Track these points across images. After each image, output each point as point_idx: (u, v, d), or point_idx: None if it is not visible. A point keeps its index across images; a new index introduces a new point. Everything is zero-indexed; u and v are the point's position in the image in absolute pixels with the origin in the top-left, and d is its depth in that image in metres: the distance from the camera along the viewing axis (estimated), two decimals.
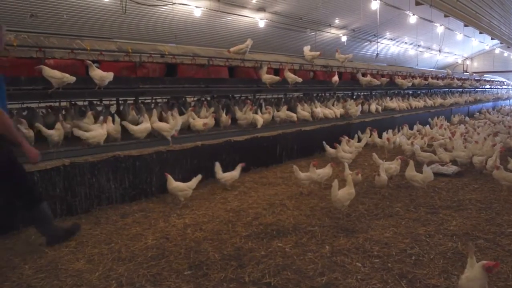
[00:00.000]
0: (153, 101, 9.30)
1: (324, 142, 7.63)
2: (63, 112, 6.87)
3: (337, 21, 18.05)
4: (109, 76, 5.67)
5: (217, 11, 13.38)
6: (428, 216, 4.76)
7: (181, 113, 7.31)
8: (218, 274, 3.40)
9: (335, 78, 9.87)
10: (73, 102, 8.16)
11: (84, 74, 5.56)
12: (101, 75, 5.62)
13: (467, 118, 15.20)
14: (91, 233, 4.38)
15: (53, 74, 5.04)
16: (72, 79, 5.20)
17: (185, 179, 6.08)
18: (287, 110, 8.66)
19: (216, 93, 9.09)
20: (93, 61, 5.89)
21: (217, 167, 6.01)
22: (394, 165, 6.14)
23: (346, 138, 8.03)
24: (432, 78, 15.87)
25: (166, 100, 9.17)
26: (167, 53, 6.85)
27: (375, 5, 13.38)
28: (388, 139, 8.63)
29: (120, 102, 8.02)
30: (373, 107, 11.32)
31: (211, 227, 4.47)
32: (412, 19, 15.08)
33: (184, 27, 13.75)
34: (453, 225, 4.43)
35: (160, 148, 5.89)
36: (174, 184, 5.32)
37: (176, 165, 6.05)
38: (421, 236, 4.11)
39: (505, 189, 5.64)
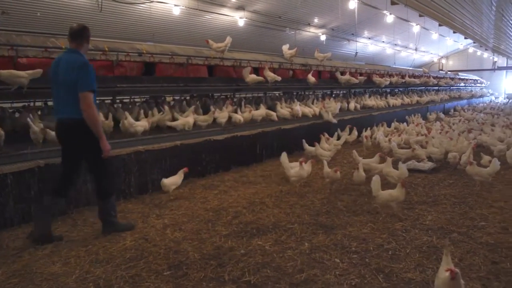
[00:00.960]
0: (131, 100, 9.18)
1: (303, 140, 7.68)
2: (39, 112, 6.71)
3: (316, 20, 18.17)
4: None
5: (196, 9, 13.27)
6: (404, 211, 4.86)
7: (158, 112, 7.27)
8: (197, 273, 3.38)
9: (310, 76, 9.94)
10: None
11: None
12: None
13: (442, 115, 15.58)
14: (67, 235, 4.29)
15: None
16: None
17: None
18: (267, 109, 8.71)
19: (196, 92, 9.06)
20: None
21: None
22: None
23: (326, 136, 8.12)
24: (409, 76, 16.22)
25: (144, 99, 9.08)
26: (145, 51, 6.79)
27: (352, 4, 13.54)
28: (366, 137, 8.77)
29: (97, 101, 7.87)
30: (352, 105, 11.48)
31: (191, 227, 4.44)
32: (389, 18, 15.33)
33: (163, 26, 13.59)
34: (428, 219, 4.54)
35: (138, 148, 5.82)
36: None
37: (155, 165, 5.99)
38: (397, 231, 4.19)
39: (478, 184, 5.82)
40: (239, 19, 14.75)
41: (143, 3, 12.13)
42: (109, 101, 7.77)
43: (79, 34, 4.03)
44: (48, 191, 4.18)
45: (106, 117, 6.22)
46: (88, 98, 3.86)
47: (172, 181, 5.60)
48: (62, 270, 3.48)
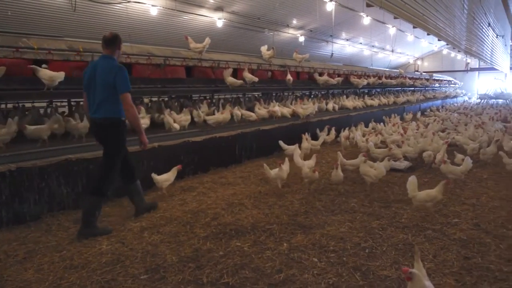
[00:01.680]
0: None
1: (280, 141, 7.72)
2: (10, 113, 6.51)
3: (294, 21, 18.31)
4: (59, 75, 5.44)
5: (174, 10, 13.18)
6: (381, 210, 4.94)
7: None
8: (175, 276, 3.35)
9: (289, 77, 10.00)
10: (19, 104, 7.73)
11: (32, 74, 5.29)
12: (50, 74, 5.38)
13: (419, 115, 15.93)
14: (41, 241, 4.18)
15: None
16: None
17: (142, 182, 5.94)
18: (246, 109, 8.72)
19: (173, 94, 8.96)
20: (41, 61, 5.64)
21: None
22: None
23: (306, 136, 8.18)
24: (385, 77, 16.51)
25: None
26: (121, 52, 6.66)
27: (330, 6, 13.71)
28: (344, 137, 8.89)
29: (72, 103, 7.71)
30: (330, 105, 11.60)
31: (169, 230, 4.39)
32: (366, 20, 15.60)
33: (140, 26, 13.41)
34: (404, 217, 4.63)
35: None
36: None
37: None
38: (374, 230, 4.26)
39: (451, 182, 5.97)
40: (218, 20, 14.73)
41: (120, 3, 11.96)
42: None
43: (112, 41, 4.40)
44: (123, 182, 4.79)
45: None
46: (128, 98, 4.32)
47: (164, 178, 5.64)
48: (35, 277, 3.38)
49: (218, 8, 14.54)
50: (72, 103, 7.75)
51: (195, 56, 7.95)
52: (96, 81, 4.30)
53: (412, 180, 4.76)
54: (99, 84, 4.28)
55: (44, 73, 5.31)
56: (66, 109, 7.88)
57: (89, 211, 4.31)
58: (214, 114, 8.01)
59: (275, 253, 3.73)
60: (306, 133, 8.32)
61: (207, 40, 7.87)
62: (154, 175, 5.59)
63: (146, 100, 9.93)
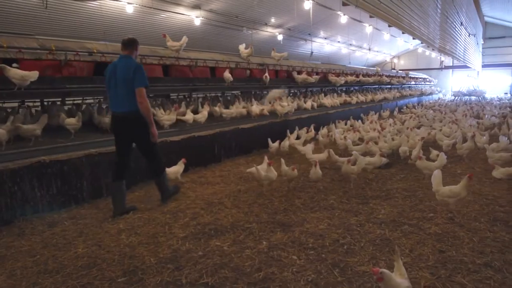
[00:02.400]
0: (83, 102, 8.81)
1: (269, 138, 7.95)
2: None
3: (272, 20, 18.34)
4: (32, 75, 5.27)
5: (151, 8, 12.99)
6: (359, 206, 5.00)
7: None
8: (154, 278, 3.30)
9: (266, 74, 10.02)
10: None
11: (1, 73, 5.12)
12: (22, 74, 5.22)
13: (396, 113, 16.23)
14: (13, 245, 4.05)
15: None
16: None
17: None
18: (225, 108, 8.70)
19: (151, 93, 8.82)
20: (11, 60, 5.46)
21: None
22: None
23: (289, 134, 8.27)
24: (363, 75, 16.76)
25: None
26: (95, 51, 6.53)
27: (307, 5, 13.78)
28: (323, 135, 8.96)
29: (45, 103, 7.50)
30: (309, 103, 11.67)
31: (147, 231, 4.33)
32: (343, 19, 15.76)
33: (115, 24, 13.16)
34: (382, 213, 4.71)
35: (91, 151, 5.59)
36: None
37: (109, 168, 5.76)
38: (352, 226, 4.31)
39: (427, 177, 6.08)
40: (195, 18, 14.60)
41: (94, 0, 11.70)
42: (58, 102, 7.38)
43: (131, 43, 4.90)
44: (112, 178, 5.03)
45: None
46: (142, 92, 4.71)
47: (174, 170, 5.92)
48: (7, 283, 3.27)
49: (196, 6, 14.41)
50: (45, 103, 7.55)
51: (173, 55, 7.86)
52: (116, 78, 4.73)
53: (436, 174, 4.67)
54: (120, 81, 4.71)
55: (15, 72, 5.15)
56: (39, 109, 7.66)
57: (162, 184, 5.26)
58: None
59: (254, 251, 3.73)
60: (288, 131, 8.40)
61: (184, 39, 7.79)
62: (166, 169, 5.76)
63: None
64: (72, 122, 6.07)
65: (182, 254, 3.73)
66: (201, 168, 7.31)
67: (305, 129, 9.49)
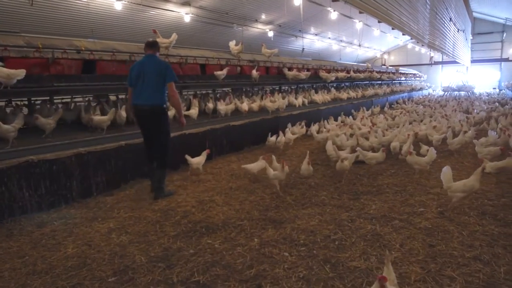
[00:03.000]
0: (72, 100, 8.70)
1: (270, 133, 8.13)
2: None
3: (263, 16, 18.29)
4: (19, 73, 5.18)
5: (140, 4, 12.86)
6: (350, 202, 5.02)
7: (104, 113, 6.99)
8: (144, 277, 3.28)
9: (254, 72, 9.96)
10: None
11: None
12: (8, 72, 5.12)
13: (386, 109, 16.33)
14: (1, 246, 3.99)
15: None
16: None
17: (110, 182, 5.83)
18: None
19: None
20: None
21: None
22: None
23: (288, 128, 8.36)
24: (353, 71, 16.80)
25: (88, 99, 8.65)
26: (83, 48, 6.45)
27: (297, 1, 13.78)
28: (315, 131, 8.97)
29: (33, 102, 7.40)
30: (300, 100, 11.67)
31: (138, 229, 4.30)
32: (333, 15, 15.79)
33: (103, 21, 13.01)
34: (372, 209, 4.73)
35: (80, 150, 5.52)
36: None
37: (99, 167, 5.72)
38: (344, 222, 4.32)
39: (417, 172, 6.15)
40: (185, 15, 14.50)
41: None
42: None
43: (155, 44, 5.48)
44: (147, 160, 5.57)
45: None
46: (173, 86, 5.27)
47: (198, 161, 6.28)
48: None
49: (185, 3, 14.31)
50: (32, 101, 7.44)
51: (162, 52, 7.78)
52: (145, 74, 5.18)
53: (446, 171, 4.59)
54: (148, 76, 5.17)
55: (1, 70, 5.06)
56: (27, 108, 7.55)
57: (160, 180, 5.43)
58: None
59: (246, 249, 3.72)
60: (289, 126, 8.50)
61: (174, 36, 7.72)
62: (190, 159, 6.25)
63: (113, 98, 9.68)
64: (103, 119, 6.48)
65: (173, 252, 3.71)
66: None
67: (298, 124, 9.52)
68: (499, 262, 3.31)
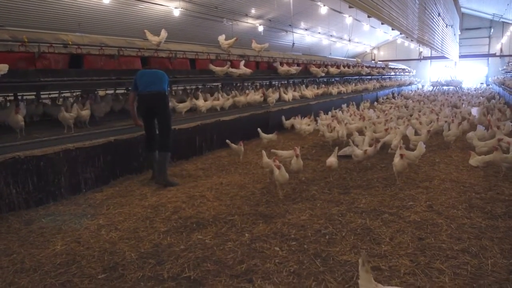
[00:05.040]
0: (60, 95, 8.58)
1: (259, 129, 8.13)
2: None
3: (253, 10, 18.20)
4: (2, 68, 5.07)
5: None
6: (341, 196, 5.04)
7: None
8: (135, 274, 3.26)
9: (241, 67, 9.86)
10: None
11: None
12: None
13: (376, 104, 16.41)
14: None
15: None
16: None
17: (99, 178, 5.78)
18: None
19: (129, 85, 8.66)
20: None
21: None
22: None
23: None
24: (343, 66, 16.83)
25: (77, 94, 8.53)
26: (70, 43, 6.34)
27: None
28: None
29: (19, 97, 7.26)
30: (290, 95, 11.66)
31: (128, 226, 4.26)
32: (323, 9, 15.77)
33: (91, 15, 12.80)
34: (362, 203, 4.75)
35: (68, 146, 5.45)
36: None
37: (87, 163, 5.66)
38: (334, 216, 4.34)
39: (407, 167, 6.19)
40: (174, 9, 14.35)
41: None
42: (32, 96, 7.16)
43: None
44: (147, 150, 6.01)
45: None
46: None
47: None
48: None
49: None
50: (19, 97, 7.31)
51: (152, 47, 7.70)
52: (149, 74, 5.88)
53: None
54: (153, 74, 5.90)
55: None
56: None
57: (163, 164, 5.72)
58: None
59: (237, 244, 3.72)
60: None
61: (163, 34, 7.59)
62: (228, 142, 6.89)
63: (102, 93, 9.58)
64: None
65: (164, 248, 3.69)
66: (182, 161, 7.23)
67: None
68: (486, 254, 3.36)
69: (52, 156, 5.22)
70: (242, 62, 9.90)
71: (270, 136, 7.92)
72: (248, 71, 9.85)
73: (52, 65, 6.10)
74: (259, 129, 7.98)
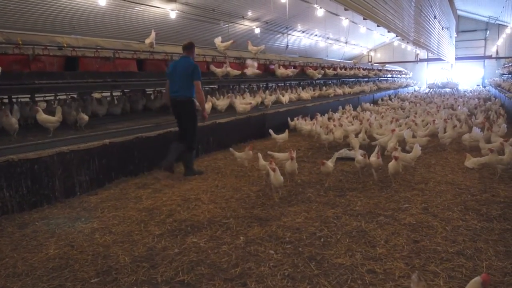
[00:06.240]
0: (56, 98, 8.54)
1: (270, 130, 8.16)
2: None
3: (249, 13, 18.22)
4: None
5: (125, 0, 12.68)
6: (336, 199, 5.03)
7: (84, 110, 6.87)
8: (128, 277, 3.23)
9: (226, 67, 9.82)
10: None
11: None
12: None
13: (371, 105, 16.42)
14: None
15: None
16: None
17: (94, 181, 5.75)
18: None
19: (125, 88, 8.65)
20: None
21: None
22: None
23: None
24: (340, 68, 16.85)
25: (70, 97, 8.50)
26: (65, 45, 6.32)
27: None
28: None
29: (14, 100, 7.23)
30: (287, 97, 11.65)
31: (122, 229, 4.24)
32: (319, 12, 15.80)
33: (86, 18, 12.76)
34: (358, 205, 4.75)
35: (62, 149, 5.41)
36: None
37: (82, 166, 5.62)
38: (329, 218, 4.33)
39: (402, 168, 6.18)
40: (171, 11, 14.34)
41: None
42: (27, 99, 7.12)
43: (189, 47, 6.37)
44: (176, 139, 6.45)
45: None
46: (199, 84, 6.23)
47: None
48: None
49: None
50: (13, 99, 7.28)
51: (147, 49, 7.69)
52: (176, 73, 6.19)
53: None
54: (181, 74, 6.15)
55: None
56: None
57: (189, 161, 6.44)
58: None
59: (231, 247, 3.70)
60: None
61: (152, 34, 7.56)
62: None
63: (98, 95, 9.53)
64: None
65: (158, 252, 3.67)
66: (178, 164, 7.18)
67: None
68: (481, 256, 3.35)
69: (46, 159, 5.19)
70: (250, 62, 10.01)
71: (282, 136, 8.00)
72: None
73: (46, 68, 6.08)
74: (270, 130, 8.02)
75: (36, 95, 7.06)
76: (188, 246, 3.75)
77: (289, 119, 9.88)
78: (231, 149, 6.64)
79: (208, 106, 8.14)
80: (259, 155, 5.93)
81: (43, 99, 8.49)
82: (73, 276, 3.29)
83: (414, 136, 7.94)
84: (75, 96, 8.78)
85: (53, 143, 5.51)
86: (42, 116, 5.75)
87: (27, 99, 7.07)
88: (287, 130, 8.22)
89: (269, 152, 6.44)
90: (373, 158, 5.76)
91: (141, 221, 4.46)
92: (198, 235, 4.00)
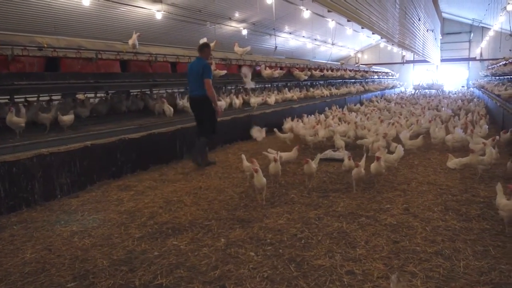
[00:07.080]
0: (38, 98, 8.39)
1: (275, 128, 8.46)
2: None
3: (236, 14, 18.21)
4: None
5: (109, 1, 12.55)
6: (319, 200, 5.04)
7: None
8: (105, 281, 3.18)
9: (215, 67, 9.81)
10: None
11: None
12: None
13: (358, 106, 16.53)
14: None
15: None
16: None
17: (75, 183, 5.66)
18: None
19: (108, 89, 8.55)
20: None
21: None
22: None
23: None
24: (327, 70, 16.94)
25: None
26: (46, 45, 6.22)
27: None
28: (288, 129, 8.97)
29: None
30: (273, 98, 11.66)
31: (101, 232, 4.17)
32: (306, 13, 15.87)
33: (69, 18, 12.56)
34: (340, 206, 4.76)
35: (42, 151, 5.32)
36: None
37: (62, 169, 5.53)
38: (311, 220, 4.33)
39: (385, 169, 6.22)
40: (157, 12, 14.23)
41: None
42: (6, 100, 6.96)
43: (201, 48, 6.94)
44: (198, 136, 7.01)
45: None
46: (209, 82, 6.68)
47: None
48: None
49: (157, 0, 14.06)
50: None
51: (130, 51, 7.61)
52: (192, 74, 6.80)
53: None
54: (195, 74, 6.71)
55: None
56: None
57: (201, 147, 6.97)
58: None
59: (212, 249, 3.67)
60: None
61: (134, 36, 7.47)
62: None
63: (82, 96, 9.40)
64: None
65: (137, 255, 3.62)
66: (162, 165, 7.14)
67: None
68: (459, 256, 3.38)
69: (25, 162, 5.09)
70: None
71: (287, 135, 8.23)
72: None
73: (26, 68, 5.97)
74: (275, 129, 8.33)
75: (15, 96, 6.91)
76: (168, 249, 3.71)
77: (284, 120, 9.62)
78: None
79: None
80: (243, 156, 5.90)
81: (24, 100, 8.33)
82: (49, 281, 3.22)
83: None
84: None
85: (32, 145, 5.41)
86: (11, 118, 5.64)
87: (6, 101, 6.92)
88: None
89: (264, 153, 6.44)
90: (355, 169, 5.44)
91: (121, 223, 4.40)
92: (179, 238, 3.96)
